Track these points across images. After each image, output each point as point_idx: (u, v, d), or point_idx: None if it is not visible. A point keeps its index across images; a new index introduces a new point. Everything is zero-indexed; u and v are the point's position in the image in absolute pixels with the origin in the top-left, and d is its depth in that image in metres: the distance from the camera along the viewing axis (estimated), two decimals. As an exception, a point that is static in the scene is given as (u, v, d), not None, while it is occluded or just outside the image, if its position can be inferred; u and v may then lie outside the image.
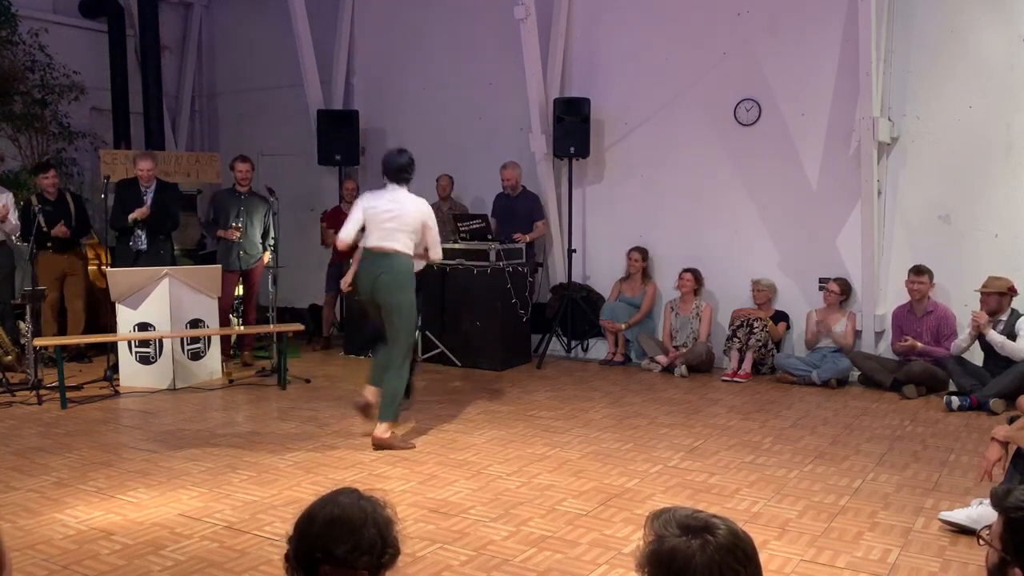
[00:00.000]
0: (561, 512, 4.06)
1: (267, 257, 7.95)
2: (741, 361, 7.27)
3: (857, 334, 7.20)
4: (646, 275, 8.09)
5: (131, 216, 7.36)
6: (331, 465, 4.80)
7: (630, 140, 8.23)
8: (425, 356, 7.81)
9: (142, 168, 7.45)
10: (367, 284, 5.26)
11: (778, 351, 7.40)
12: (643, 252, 8.04)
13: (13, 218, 7.44)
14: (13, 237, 7.50)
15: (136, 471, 4.68)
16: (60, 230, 7.59)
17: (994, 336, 6.21)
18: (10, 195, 7.60)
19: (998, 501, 1.79)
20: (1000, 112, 6.69)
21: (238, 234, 7.68)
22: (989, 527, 1.82)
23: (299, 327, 7.39)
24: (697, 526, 1.52)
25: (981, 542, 1.83)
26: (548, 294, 8.49)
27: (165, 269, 6.95)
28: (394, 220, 5.23)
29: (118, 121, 9.61)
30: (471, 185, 8.97)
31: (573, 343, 8.41)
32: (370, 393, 5.28)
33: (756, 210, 7.67)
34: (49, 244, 7.66)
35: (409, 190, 5.42)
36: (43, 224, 7.47)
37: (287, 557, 1.78)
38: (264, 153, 9.93)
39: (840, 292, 7.12)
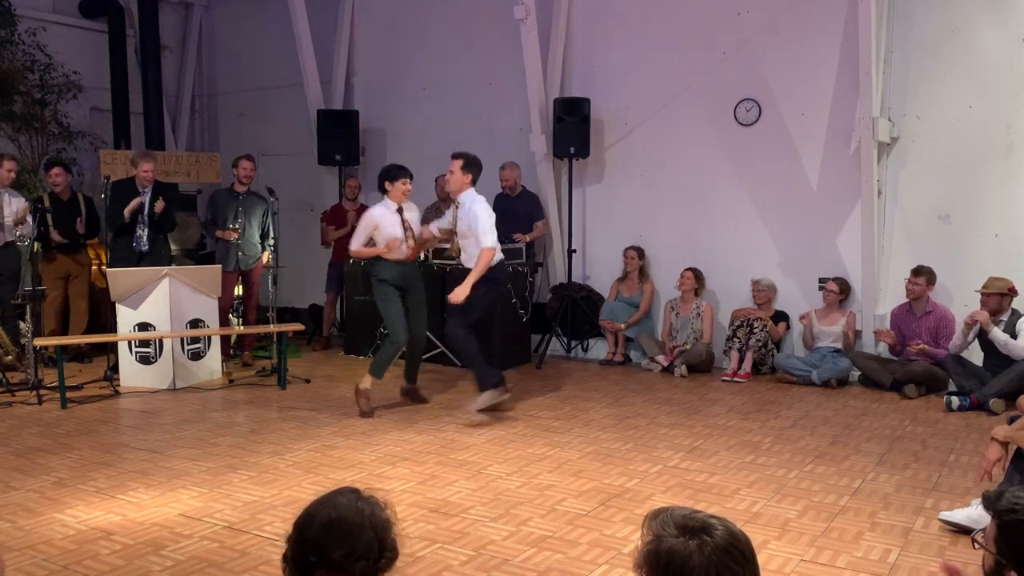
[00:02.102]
0: (561, 512, 4.06)
1: (266, 257, 7.95)
2: (741, 361, 7.27)
3: (857, 334, 7.21)
4: (643, 274, 8.10)
5: (129, 208, 7.27)
6: (331, 465, 4.80)
7: (630, 140, 8.23)
8: (425, 356, 7.80)
9: (145, 169, 7.41)
10: None
11: (778, 351, 7.40)
12: (639, 251, 8.05)
13: (30, 220, 7.43)
14: (25, 238, 7.50)
15: (136, 471, 4.68)
16: (56, 237, 7.58)
17: (997, 334, 6.21)
18: (21, 198, 7.59)
19: (990, 504, 1.78)
20: (1000, 112, 6.69)
21: (235, 235, 7.68)
22: (984, 530, 1.81)
23: (299, 327, 7.39)
24: (695, 526, 1.51)
25: (976, 545, 1.82)
26: (548, 294, 8.48)
27: (165, 269, 6.95)
28: None
29: (118, 121, 9.61)
30: (471, 185, 8.94)
31: (573, 343, 8.41)
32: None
33: (756, 210, 7.67)
34: (53, 245, 7.67)
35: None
36: (50, 224, 7.48)
37: (285, 558, 1.77)
38: (264, 153, 9.92)
39: (839, 292, 7.12)
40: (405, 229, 6.09)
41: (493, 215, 6.05)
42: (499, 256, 6.04)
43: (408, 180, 6.14)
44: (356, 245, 6.12)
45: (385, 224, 6.06)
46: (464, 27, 8.98)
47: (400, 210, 6.10)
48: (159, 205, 7.37)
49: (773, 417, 5.96)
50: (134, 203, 7.31)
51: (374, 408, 6.02)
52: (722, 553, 1.48)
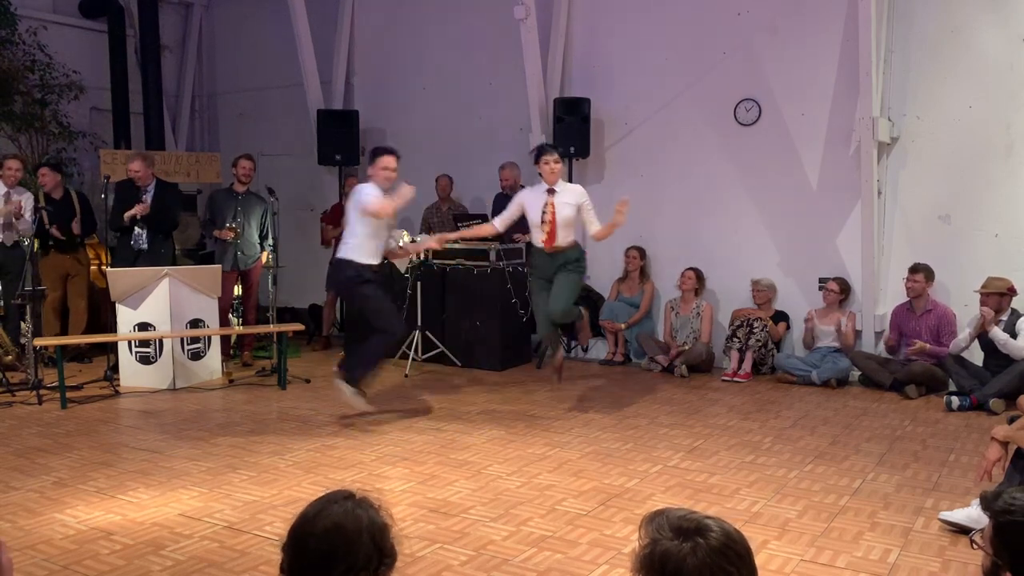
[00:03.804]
0: (561, 512, 4.06)
1: (265, 257, 7.96)
2: (741, 361, 7.27)
3: (857, 334, 7.20)
4: (644, 274, 8.10)
5: (128, 213, 7.34)
6: (331, 465, 4.80)
7: (630, 140, 8.23)
8: (425, 356, 7.82)
9: (130, 169, 7.45)
10: None
11: (778, 351, 7.40)
12: (641, 251, 8.05)
13: (28, 217, 7.42)
14: (24, 237, 7.50)
15: (136, 471, 4.68)
16: (54, 232, 7.59)
17: (997, 334, 6.21)
18: (29, 195, 7.60)
19: (987, 505, 1.78)
20: (1000, 112, 6.69)
21: (232, 235, 7.68)
22: (981, 531, 1.81)
23: (299, 327, 7.39)
24: (689, 528, 1.51)
25: (974, 546, 1.83)
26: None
27: (165, 269, 6.95)
28: None
29: (118, 121, 9.61)
30: (471, 185, 8.97)
31: (573, 343, 8.40)
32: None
33: (756, 210, 7.67)
34: (51, 243, 7.67)
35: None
36: (46, 222, 7.49)
37: (282, 569, 1.74)
38: (264, 153, 9.92)
39: (839, 291, 7.12)
40: (543, 213, 5.74)
41: (359, 204, 5.52)
42: (342, 255, 5.66)
43: (548, 156, 5.73)
44: (498, 222, 6.02)
45: (530, 205, 5.82)
46: (464, 27, 8.97)
47: (551, 191, 5.78)
48: (142, 207, 7.35)
49: (773, 417, 5.96)
50: (135, 209, 7.33)
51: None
52: (716, 555, 1.47)
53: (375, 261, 5.70)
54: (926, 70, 6.93)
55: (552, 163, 5.69)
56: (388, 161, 5.61)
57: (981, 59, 6.73)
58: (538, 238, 5.84)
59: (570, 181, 8.19)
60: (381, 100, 9.59)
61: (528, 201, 5.84)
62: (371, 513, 1.74)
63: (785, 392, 6.80)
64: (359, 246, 5.64)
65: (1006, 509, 1.72)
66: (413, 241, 7.38)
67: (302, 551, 1.70)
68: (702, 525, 1.52)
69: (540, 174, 5.87)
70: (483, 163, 8.70)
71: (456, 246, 7.77)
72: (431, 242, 6.12)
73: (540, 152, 5.80)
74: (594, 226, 5.85)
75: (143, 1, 9.60)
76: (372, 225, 5.61)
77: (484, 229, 6.20)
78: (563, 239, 5.74)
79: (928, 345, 6.63)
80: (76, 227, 7.74)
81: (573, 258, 5.84)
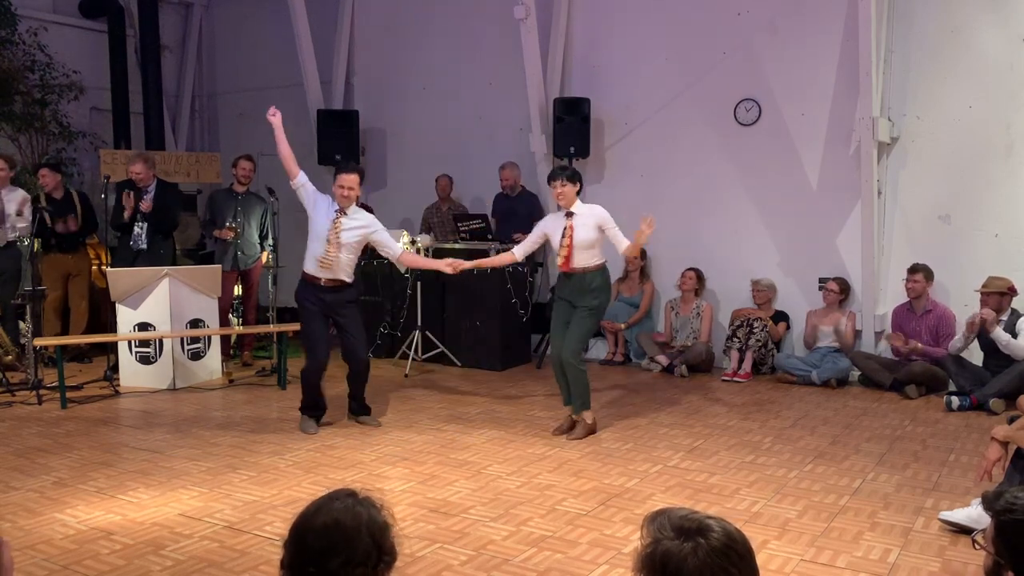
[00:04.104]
0: (561, 512, 4.06)
1: (265, 257, 7.96)
2: (741, 361, 7.27)
3: (857, 334, 7.21)
4: (644, 275, 8.10)
5: (128, 202, 7.28)
6: (331, 465, 4.80)
7: (630, 140, 8.23)
8: (425, 356, 7.82)
9: (131, 171, 7.43)
10: None
11: (778, 351, 7.40)
12: (641, 251, 8.04)
13: (27, 213, 7.41)
14: (23, 237, 7.50)
15: (136, 471, 4.68)
16: (62, 226, 7.58)
17: (999, 334, 6.20)
18: (25, 194, 7.58)
19: (989, 504, 1.79)
20: (1000, 112, 6.69)
21: (231, 234, 7.68)
22: (983, 530, 1.82)
23: (299, 327, 7.37)
24: (691, 528, 1.51)
25: (977, 546, 1.83)
26: (548, 294, 8.47)
27: (165, 269, 6.95)
28: None
29: (118, 121, 9.62)
30: (471, 185, 8.97)
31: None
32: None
33: (756, 210, 7.67)
34: (53, 242, 7.66)
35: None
36: (48, 222, 7.49)
37: (282, 564, 1.75)
38: (264, 153, 9.89)
39: (839, 291, 7.13)
40: (563, 236, 5.50)
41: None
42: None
43: (554, 181, 5.48)
44: (518, 251, 5.80)
45: (552, 231, 5.61)
46: (464, 27, 8.98)
47: (570, 213, 5.50)
48: (144, 204, 7.35)
49: (773, 417, 5.97)
50: (127, 200, 7.32)
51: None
52: (717, 555, 1.47)
53: (320, 275, 5.52)
54: (926, 70, 6.93)
55: (559, 187, 5.56)
56: (342, 179, 5.56)
57: (981, 59, 6.73)
58: (558, 261, 5.70)
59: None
60: (381, 100, 9.59)
61: (550, 228, 5.69)
62: (371, 511, 1.75)
63: (785, 392, 6.80)
64: (307, 256, 5.58)
65: (1008, 508, 1.73)
66: (413, 242, 7.41)
67: (301, 546, 1.71)
68: (703, 525, 1.52)
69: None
70: (483, 163, 8.70)
71: (456, 246, 7.79)
72: (444, 268, 5.81)
73: (549, 179, 5.66)
74: (623, 244, 5.63)
75: (143, 1, 9.61)
76: (314, 235, 5.55)
77: (503, 259, 5.97)
78: (581, 261, 5.50)
79: (920, 345, 6.63)
80: (72, 223, 7.71)
81: (594, 285, 5.56)
